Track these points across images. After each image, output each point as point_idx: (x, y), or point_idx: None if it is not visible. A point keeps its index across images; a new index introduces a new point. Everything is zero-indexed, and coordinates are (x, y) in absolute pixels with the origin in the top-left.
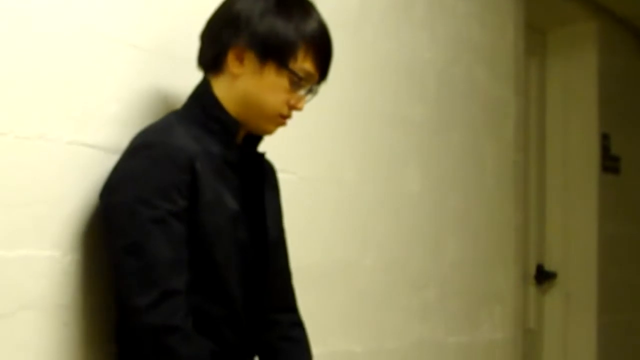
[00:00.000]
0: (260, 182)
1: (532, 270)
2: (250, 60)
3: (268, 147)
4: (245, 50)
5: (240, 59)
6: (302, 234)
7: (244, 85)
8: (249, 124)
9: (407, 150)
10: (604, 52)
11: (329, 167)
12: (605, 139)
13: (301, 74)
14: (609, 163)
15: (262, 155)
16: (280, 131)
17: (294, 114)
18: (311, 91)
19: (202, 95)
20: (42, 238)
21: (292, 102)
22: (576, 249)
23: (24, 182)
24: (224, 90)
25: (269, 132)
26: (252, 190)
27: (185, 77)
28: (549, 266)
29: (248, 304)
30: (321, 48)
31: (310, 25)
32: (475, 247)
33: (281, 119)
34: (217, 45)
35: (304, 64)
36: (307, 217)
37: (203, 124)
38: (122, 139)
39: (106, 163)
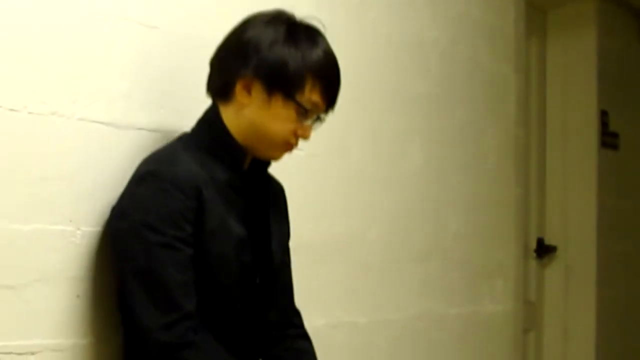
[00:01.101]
0: (266, 204)
1: (533, 244)
2: (258, 90)
3: None
4: (253, 81)
5: (248, 89)
6: (308, 208)
7: (252, 115)
8: (255, 151)
9: (410, 127)
10: (603, 32)
11: (335, 144)
12: (604, 115)
13: (308, 106)
14: (608, 139)
15: (269, 178)
16: None
17: None
18: (319, 119)
19: (211, 121)
20: (55, 212)
21: (299, 131)
22: (576, 223)
23: (37, 158)
24: (232, 117)
25: (276, 158)
26: (258, 213)
27: (193, 56)
28: (549, 240)
29: (253, 322)
30: (328, 80)
31: (318, 56)
32: (477, 221)
33: (288, 146)
34: (225, 74)
35: (311, 95)
36: (313, 193)
37: (210, 150)
38: (131, 116)
39: (116, 139)
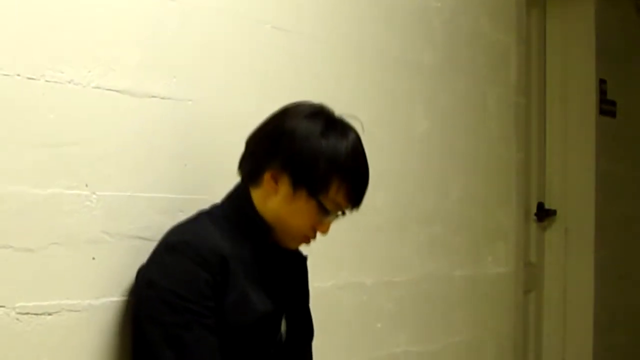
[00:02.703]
0: (292, 278)
1: (533, 208)
2: (284, 183)
3: (284, 92)
4: (281, 174)
5: (275, 180)
6: None
7: (275, 205)
8: (275, 236)
9: (415, 94)
10: (602, 2)
11: (341, 110)
12: (602, 84)
13: (330, 207)
14: (606, 107)
15: (295, 252)
16: (293, 76)
17: None
18: (343, 214)
19: (240, 198)
20: (72, 177)
21: (319, 227)
22: (575, 187)
23: (54, 125)
24: (259, 199)
25: (292, 248)
26: (284, 287)
27: (205, 26)
28: (549, 203)
29: None
30: (355, 184)
31: (348, 157)
32: (479, 185)
33: (306, 239)
34: (257, 160)
35: (336, 196)
36: None
37: (238, 225)
38: (144, 85)
39: (130, 107)
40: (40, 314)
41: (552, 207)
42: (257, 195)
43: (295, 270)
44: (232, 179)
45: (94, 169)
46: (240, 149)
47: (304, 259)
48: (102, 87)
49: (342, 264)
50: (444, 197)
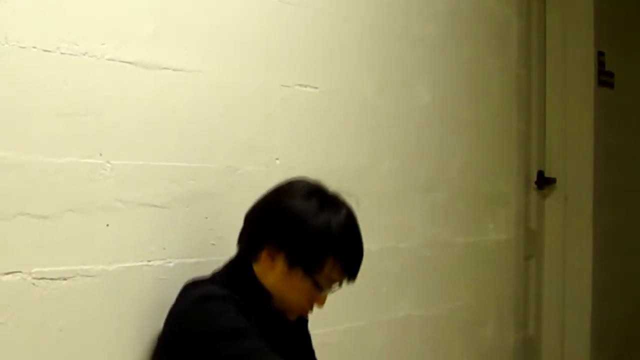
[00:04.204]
0: (296, 342)
1: (533, 176)
2: (280, 261)
3: (292, 64)
4: (278, 252)
5: (272, 258)
6: (323, 143)
7: (273, 280)
8: (276, 303)
9: (419, 65)
10: None
11: (347, 82)
12: (600, 56)
13: (325, 284)
14: (604, 78)
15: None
16: (303, 50)
17: None
18: (340, 286)
19: (241, 267)
20: (87, 147)
21: (315, 302)
22: (574, 156)
23: (69, 96)
24: (258, 271)
25: (291, 319)
26: (288, 351)
27: (217, 0)
28: (548, 172)
29: None
30: (349, 260)
31: (341, 235)
32: (481, 154)
33: (303, 312)
34: (254, 237)
35: (331, 274)
36: (327, 128)
37: (239, 291)
38: (157, 57)
39: (143, 78)
40: (56, 279)
41: (552, 176)
42: (257, 268)
43: (298, 335)
44: (240, 150)
45: (108, 138)
46: (248, 119)
47: (305, 322)
48: (115, 59)
49: None
50: (447, 166)
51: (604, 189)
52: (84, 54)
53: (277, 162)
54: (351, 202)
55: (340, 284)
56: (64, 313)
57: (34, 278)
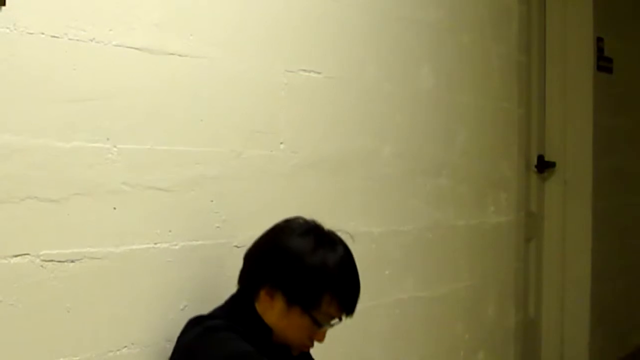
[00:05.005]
0: None
1: (534, 160)
2: (279, 299)
3: (296, 49)
4: (276, 291)
5: (271, 296)
6: (327, 127)
7: (273, 318)
8: (276, 339)
9: (421, 50)
10: None
11: (351, 67)
12: (599, 42)
13: (323, 320)
14: (603, 63)
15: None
16: (308, 36)
17: None
18: (340, 320)
19: (242, 303)
20: (94, 131)
21: (314, 337)
22: (573, 140)
23: (77, 81)
24: (259, 309)
25: (293, 354)
26: None
27: None
28: (548, 156)
29: None
30: (346, 297)
31: (338, 272)
32: (483, 138)
33: (304, 348)
34: (253, 277)
35: (329, 310)
36: (332, 112)
37: (242, 326)
38: (163, 42)
39: (149, 64)
40: (64, 261)
41: (552, 160)
42: (259, 307)
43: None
44: (245, 134)
45: (115, 123)
46: (253, 104)
47: (308, 355)
48: (122, 45)
49: (351, 213)
50: (449, 149)
51: (602, 172)
52: (92, 40)
53: (282, 146)
54: (346, 239)
55: (339, 319)
56: (71, 295)
57: (42, 260)
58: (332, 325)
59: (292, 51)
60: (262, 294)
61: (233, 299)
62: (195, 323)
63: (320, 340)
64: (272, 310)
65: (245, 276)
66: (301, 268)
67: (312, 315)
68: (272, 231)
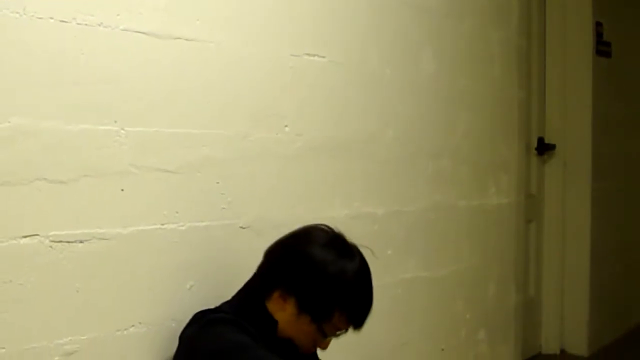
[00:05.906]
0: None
1: (534, 142)
2: (291, 304)
3: (301, 34)
4: (290, 296)
5: (284, 299)
6: (331, 110)
7: (282, 320)
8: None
9: (423, 35)
10: None
11: (355, 51)
12: (598, 26)
13: (330, 332)
14: (602, 48)
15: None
16: (312, 20)
17: None
18: (346, 332)
19: (253, 296)
20: (102, 114)
21: (318, 345)
22: (573, 123)
23: (85, 65)
24: (270, 306)
25: (299, 353)
26: None
27: None
28: (548, 139)
29: None
30: (357, 313)
31: (352, 291)
32: (484, 121)
33: (308, 351)
34: (270, 276)
35: (338, 323)
36: (335, 96)
37: (247, 319)
38: (170, 27)
39: (156, 48)
40: (72, 242)
41: (552, 142)
42: (269, 305)
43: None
44: (251, 117)
45: (123, 106)
46: (258, 87)
47: (314, 354)
48: (130, 30)
49: (354, 194)
50: (451, 132)
51: (601, 155)
52: (99, 25)
53: (286, 129)
54: (366, 254)
55: (346, 331)
56: (80, 275)
57: (51, 241)
58: (337, 336)
59: (297, 35)
60: (276, 295)
61: (244, 294)
62: (200, 316)
63: (323, 348)
64: (283, 312)
65: (263, 273)
66: (318, 280)
67: (320, 326)
68: (297, 235)
